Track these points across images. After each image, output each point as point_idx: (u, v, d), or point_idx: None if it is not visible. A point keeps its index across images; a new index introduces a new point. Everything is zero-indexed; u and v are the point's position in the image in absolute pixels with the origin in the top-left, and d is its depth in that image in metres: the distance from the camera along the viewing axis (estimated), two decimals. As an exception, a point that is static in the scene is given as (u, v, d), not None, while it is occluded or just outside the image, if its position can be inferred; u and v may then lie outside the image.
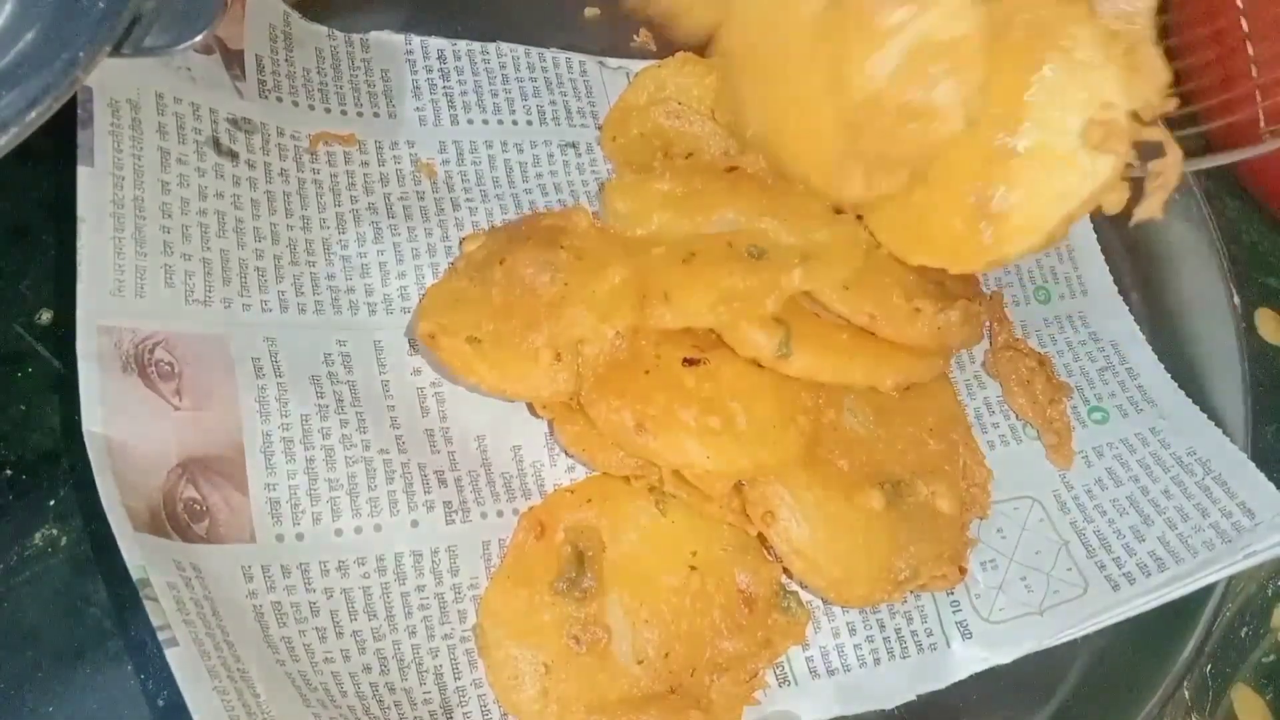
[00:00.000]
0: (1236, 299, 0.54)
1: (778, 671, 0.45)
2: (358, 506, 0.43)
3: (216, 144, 0.45)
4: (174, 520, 0.38)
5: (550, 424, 0.47)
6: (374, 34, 0.54)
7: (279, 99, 0.49)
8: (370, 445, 0.44)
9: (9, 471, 0.44)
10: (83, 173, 0.39)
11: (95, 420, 0.37)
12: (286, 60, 0.50)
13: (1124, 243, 0.58)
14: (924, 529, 0.46)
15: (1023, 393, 0.50)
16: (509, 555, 0.45)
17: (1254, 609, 0.50)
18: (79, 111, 0.39)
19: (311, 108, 0.50)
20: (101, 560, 0.43)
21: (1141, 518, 0.48)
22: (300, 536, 0.42)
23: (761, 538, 0.45)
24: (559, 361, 0.44)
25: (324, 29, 0.53)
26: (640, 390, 0.44)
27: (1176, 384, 0.52)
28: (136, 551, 0.35)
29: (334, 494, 0.43)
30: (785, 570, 0.46)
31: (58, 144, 0.44)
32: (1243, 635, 0.50)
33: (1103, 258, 0.56)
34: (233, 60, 0.47)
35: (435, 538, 0.44)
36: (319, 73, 0.51)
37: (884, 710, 0.45)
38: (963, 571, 0.46)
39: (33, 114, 0.31)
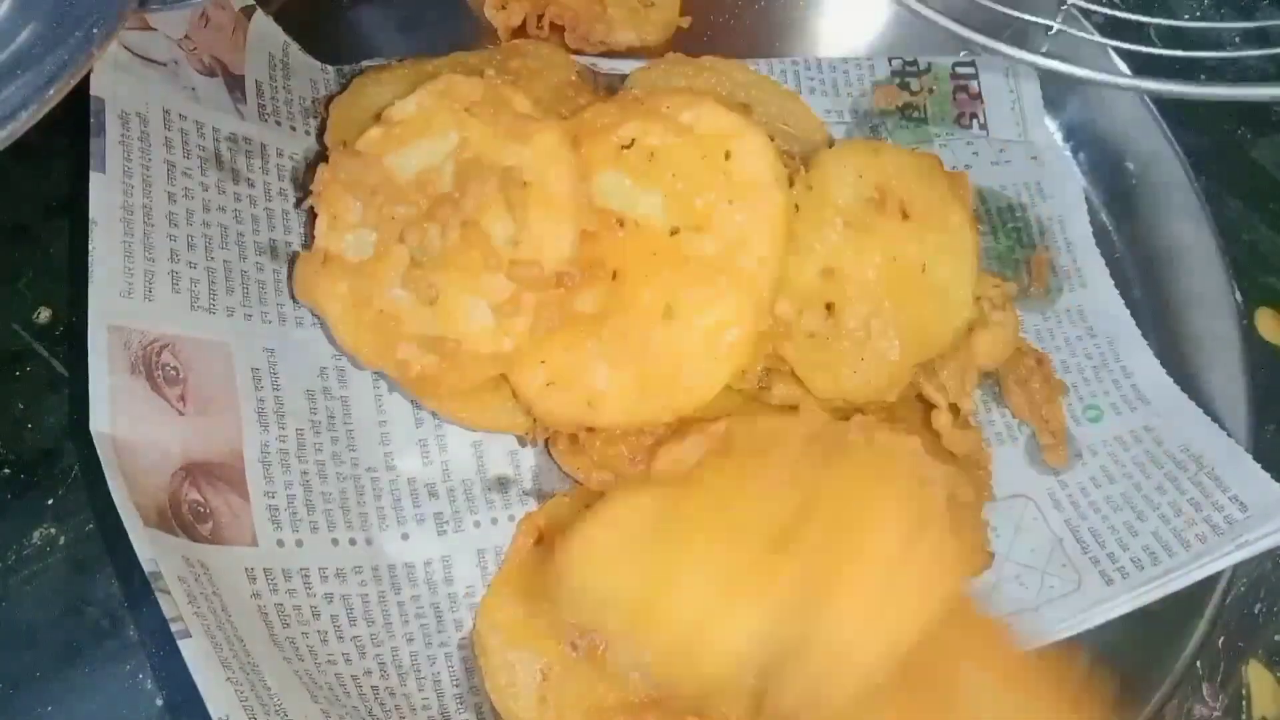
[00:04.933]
0: (1239, 297, 0.56)
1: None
2: (350, 520, 0.47)
3: (219, 160, 0.49)
4: (180, 520, 0.41)
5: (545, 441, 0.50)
6: (364, 63, 0.58)
7: (277, 123, 0.53)
8: (359, 463, 0.48)
9: (7, 470, 0.47)
10: (95, 178, 0.43)
11: (103, 420, 0.40)
12: (284, 88, 0.55)
13: (1126, 242, 0.60)
14: (955, 523, 0.47)
15: (1020, 391, 0.52)
16: (507, 562, 0.47)
17: (1269, 585, 0.51)
18: (91, 120, 0.43)
19: (308, 133, 0.55)
20: (101, 559, 0.45)
21: (1135, 514, 0.50)
22: (300, 543, 0.45)
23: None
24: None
25: (317, 63, 0.57)
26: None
27: (1173, 381, 0.54)
28: (148, 545, 0.38)
29: (328, 506, 0.46)
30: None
31: (55, 144, 0.48)
32: (1256, 612, 0.51)
33: (1098, 250, 0.58)
34: (234, 84, 0.52)
35: (427, 549, 0.47)
36: (314, 102, 0.56)
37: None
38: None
39: (52, 90, 0.34)
